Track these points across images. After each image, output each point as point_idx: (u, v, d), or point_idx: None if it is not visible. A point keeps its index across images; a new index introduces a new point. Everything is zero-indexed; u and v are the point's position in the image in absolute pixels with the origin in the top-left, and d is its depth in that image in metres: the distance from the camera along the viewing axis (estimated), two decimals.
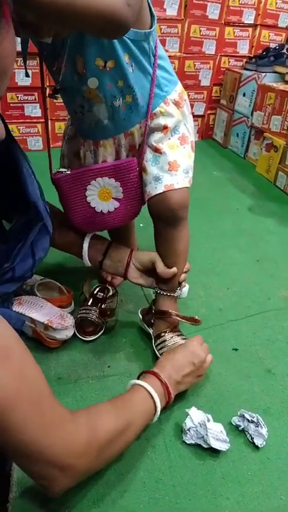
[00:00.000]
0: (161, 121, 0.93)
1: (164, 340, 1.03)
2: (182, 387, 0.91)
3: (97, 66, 0.80)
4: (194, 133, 1.08)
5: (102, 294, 1.17)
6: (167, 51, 2.39)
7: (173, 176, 0.93)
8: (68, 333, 1.04)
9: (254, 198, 2.03)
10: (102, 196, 0.98)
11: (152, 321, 1.07)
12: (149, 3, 0.84)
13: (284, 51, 2.36)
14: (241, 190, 2.10)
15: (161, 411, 0.82)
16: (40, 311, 1.04)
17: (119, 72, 0.83)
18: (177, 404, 0.95)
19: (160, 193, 0.93)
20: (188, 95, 2.65)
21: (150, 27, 0.84)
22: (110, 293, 1.19)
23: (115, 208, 1.00)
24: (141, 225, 1.58)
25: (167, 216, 0.97)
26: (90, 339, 1.09)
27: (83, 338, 1.08)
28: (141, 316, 1.10)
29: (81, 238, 1.06)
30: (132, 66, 0.84)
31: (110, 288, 1.20)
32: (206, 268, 1.46)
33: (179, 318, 1.04)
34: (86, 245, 1.05)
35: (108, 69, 0.81)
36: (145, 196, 0.98)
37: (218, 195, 2.04)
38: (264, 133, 2.26)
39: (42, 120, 2.29)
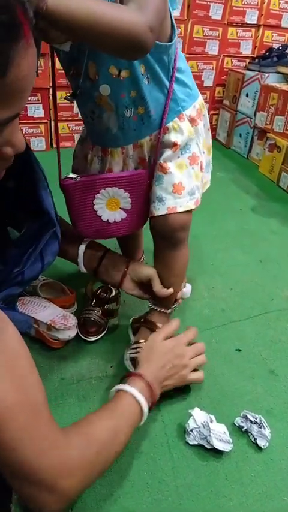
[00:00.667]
0: (172, 137, 0.89)
1: (141, 347, 0.99)
2: (168, 387, 0.90)
3: (111, 74, 0.79)
4: (209, 150, 1.05)
5: (104, 295, 1.18)
6: None
7: (176, 199, 0.91)
8: (71, 333, 1.04)
9: (257, 198, 2.03)
10: (110, 205, 0.96)
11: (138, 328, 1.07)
12: (171, 15, 0.81)
13: (287, 51, 2.36)
14: (244, 191, 2.10)
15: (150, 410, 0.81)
16: (43, 311, 1.04)
17: (133, 82, 0.80)
18: (180, 405, 0.95)
19: (162, 215, 0.92)
20: None
21: (171, 40, 0.82)
22: (113, 294, 1.19)
23: (122, 219, 0.98)
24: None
25: (167, 237, 0.96)
26: (93, 339, 1.09)
27: (86, 338, 1.08)
28: (131, 322, 1.10)
29: (77, 245, 1.04)
30: (147, 77, 0.82)
31: (112, 288, 1.20)
32: (209, 268, 1.45)
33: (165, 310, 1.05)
34: (81, 251, 1.03)
35: (122, 78, 0.79)
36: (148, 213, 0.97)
37: (221, 195, 2.04)
38: (267, 134, 2.26)
39: (45, 120, 2.30)
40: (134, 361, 0.97)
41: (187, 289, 1.30)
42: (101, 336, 1.11)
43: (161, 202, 0.92)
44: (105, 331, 1.12)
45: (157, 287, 1.00)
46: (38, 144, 2.35)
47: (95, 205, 0.95)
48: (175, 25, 0.83)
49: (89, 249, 1.05)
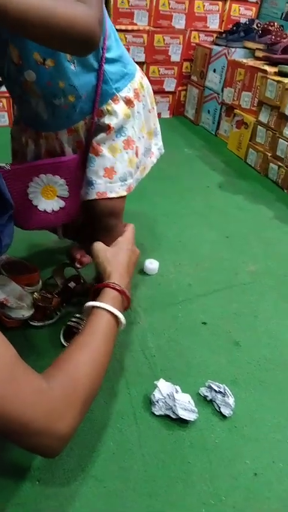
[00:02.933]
0: (106, 120, 0.86)
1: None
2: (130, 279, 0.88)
3: (35, 60, 0.74)
4: (155, 133, 1.02)
5: (74, 285, 1.16)
6: (135, 24, 2.34)
7: (107, 184, 0.88)
8: (25, 313, 1.01)
9: (224, 175, 2.04)
10: (46, 194, 0.91)
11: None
12: None
13: (254, 26, 2.35)
14: (212, 168, 2.11)
15: (127, 309, 0.82)
16: (0, 289, 1.02)
17: (60, 71, 0.76)
18: (146, 377, 0.96)
19: (91, 200, 0.89)
20: (158, 71, 2.63)
21: None
22: (83, 286, 1.17)
23: (60, 208, 0.93)
24: None
25: (97, 222, 0.93)
26: (36, 324, 1.07)
27: (30, 322, 1.06)
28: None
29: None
30: (74, 63, 0.77)
31: (85, 282, 1.18)
32: (177, 245, 1.46)
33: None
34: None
35: (47, 67, 0.75)
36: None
37: (189, 173, 2.04)
38: (235, 110, 2.26)
39: (7, 94, 2.22)
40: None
41: (154, 265, 1.31)
42: (45, 323, 1.09)
43: (91, 187, 0.88)
44: (52, 320, 1.09)
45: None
46: (1, 119, 2.27)
47: (30, 194, 0.90)
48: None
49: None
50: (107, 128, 0.86)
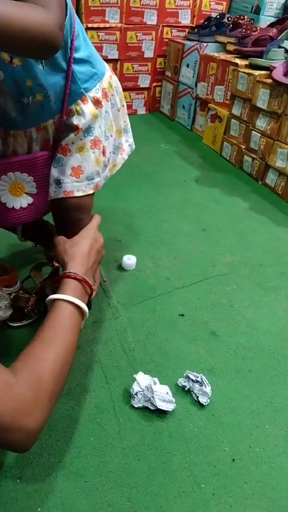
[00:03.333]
0: (75, 121, 0.87)
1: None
2: (96, 267, 0.89)
3: (3, 59, 0.73)
4: (126, 130, 1.03)
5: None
6: (107, 22, 2.34)
7: (73, 183, 0.89)
8: (2, 314, 1.02)
9: (200, 169, 2.06)
10: (14, 191, 0.91)
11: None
12: None
13: (225, 20, 2.36)
14: (188, 162, 2.12)
15: (90, 296, 0.81)
16: None
17: (27, 70, 0.75)
18: (125, 371, 0.97)
19: (59, 198, 0.90)
20: (132, 67, 2.63)
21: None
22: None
23: (28, 204, 0.94)
24: None
25: (64, 220, 0.94)
26: (15, 325, 1.08)
27: (9, 323, 1.07)
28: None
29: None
30: (42, 63, 0.77)
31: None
32: (154, 240, 1.47)
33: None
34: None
35: (14, 65, 0.74)
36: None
37: (165, 168, 2.05)
38: (209, 104, 2.28)
39: None
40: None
41: (132, 261, 1.31)
42: (24, 323, 1.09)
43: (58, 185, 0.89)
44: (31, 320, 1.10)
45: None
46: None
47: None
48: (69, 2, 0.77)
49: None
50: (75, 128, 0.87)
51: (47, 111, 0.85)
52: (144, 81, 2.66)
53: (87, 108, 0.87)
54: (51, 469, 0.79)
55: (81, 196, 0.90)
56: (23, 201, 0.93)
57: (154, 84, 2.72)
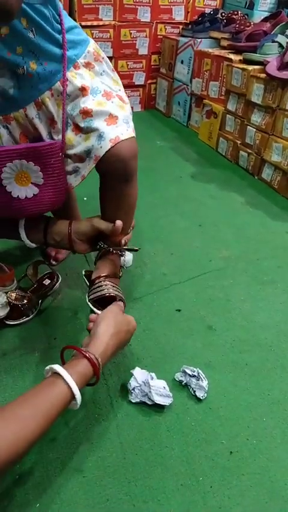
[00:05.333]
0: (77, 83, 0.89)
1: (100, 286, 0.99)
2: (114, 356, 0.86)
3: None
4: (120, 88, 1.02)
5: (49, 281, 1.16)
6: (100, 20, 2.34)
7: (114, 129, 0.88)
8: (0, 312, 1.02)
9: (196, 165, 2.06)
10: (20, 180, 0.90)
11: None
12: None
13: (219, 16, 2.36)
14: (184, 159, 2.12)
15: (93, 385, 0.77)
16: None
17: (17, 38, 0.77)
18: (123, 367, 0.98)
19: (108, 150, 0.88)
20: (127, 65, 2.63)
21: None
22: (58, 282, 1.17)
23: (34, 195, 0.93)
24: (84, 198, 1.58)
25: (118, 171, 0.92)
26: (11, 323, 1.08)
27: (5, 321, 1.07)
28: (83, 273, 1.10)
29: (15, 231, 1.00)
30: (32, 31, 0.79)
31: (59, 276, 1.19)
32: (151, 236, 1.48)
33: (119, 250, 1.03)
34: (22, 231, 0.99)
35: (2, 35, 0.75)
36: (92, 162, 0.91)
37: (162, 164, 2.05)
38: (204, 100, 2.28)
39: None
40: (97, 302, 0.98)
41: (129, 257, 1.31)
42: (21, 321, 1.09)
43: (101, 139, 0.88)
44: (28, 318, 1.10)
45: (108, 227, 0.96)
46: None
47: (3, 180, 0.89)
48: None
49: (29, 225, 1.00)
50: (82, 90, 0.89)
51: (42, 81, 0.86)
52: (139, 79, 2.66)
53: (82, 71, 0.90)
54: (49, 464, 0.79)
55: (127, 139, 0.89)
56: (28, 191, 0.93)
57: (149, 81, 2.72)
